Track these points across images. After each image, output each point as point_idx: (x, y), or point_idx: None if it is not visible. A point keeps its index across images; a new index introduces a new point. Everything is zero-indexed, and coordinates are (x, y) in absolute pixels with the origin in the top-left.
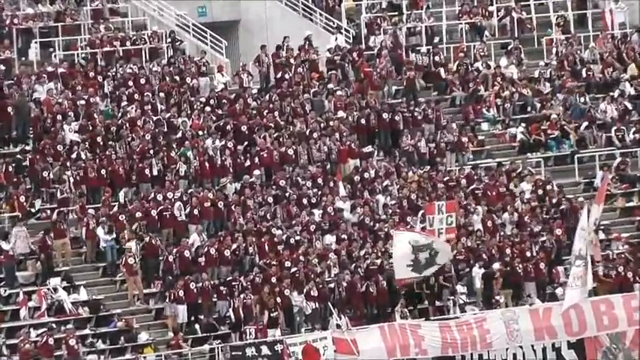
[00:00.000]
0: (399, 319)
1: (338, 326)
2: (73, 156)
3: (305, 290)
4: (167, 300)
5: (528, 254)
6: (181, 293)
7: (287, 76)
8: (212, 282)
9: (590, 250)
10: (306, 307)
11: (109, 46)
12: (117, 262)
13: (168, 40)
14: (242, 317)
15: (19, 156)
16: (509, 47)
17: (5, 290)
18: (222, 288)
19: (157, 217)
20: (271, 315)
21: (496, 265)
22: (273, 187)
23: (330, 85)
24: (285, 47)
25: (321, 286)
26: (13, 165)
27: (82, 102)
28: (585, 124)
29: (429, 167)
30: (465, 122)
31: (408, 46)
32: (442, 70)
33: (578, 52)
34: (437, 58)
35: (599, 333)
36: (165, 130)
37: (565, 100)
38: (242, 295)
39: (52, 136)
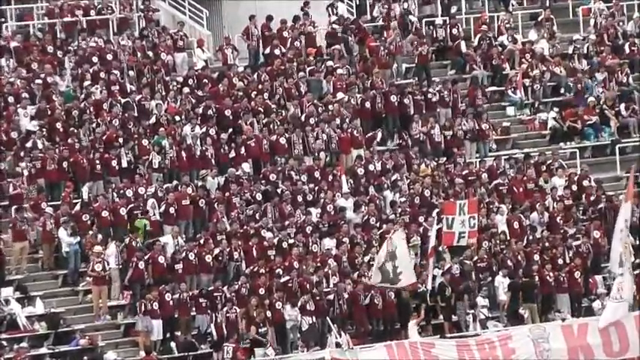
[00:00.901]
0: (415, 336)
1: (338, 345)
2: (29, 145)
3: (300, 303)
4: (138, 314)
5: (561, 261)
6: (155, 306)
7: (277, 52)
8: (191, 293)
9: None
10: (301, 322)
11: (70, 16)
12: (79, 269)
13: (140, 8)
14: (225, 334)
15: None
16: (539, 18)
17: None
18: (202, 300)
19: (126, 216)
20: (259, 331)
21: None
22: (263, 181)
23: (330, 63)
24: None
25: (318, 298)
26: None
27: (39, 82)
28: (623, 106)
29: (445, 159)
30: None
31: (420, 17)
32: (462, 44)
33: (621, 23)
34: (455, 31)
35: None
36: (136, 114)
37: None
38: (225, 309)
39: (4, 122)
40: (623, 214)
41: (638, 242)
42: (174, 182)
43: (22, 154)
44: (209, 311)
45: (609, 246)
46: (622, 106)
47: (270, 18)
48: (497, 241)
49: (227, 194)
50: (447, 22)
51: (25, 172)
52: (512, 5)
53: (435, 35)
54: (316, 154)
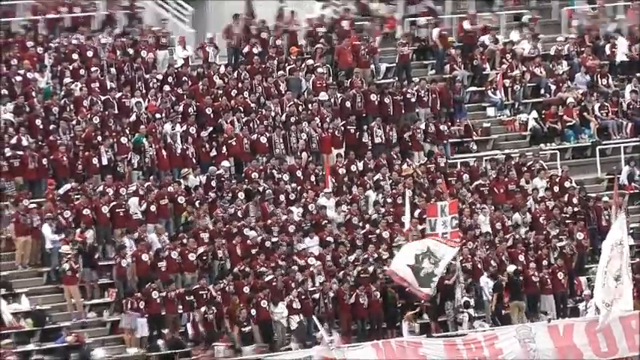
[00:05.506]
0: (405, 333)
1: (330, 342)
2: (13, 141)
3: (286, 302)
4: (125, 311)
5: (545, 262)
6: (142, 304)
7: (255, 50)
8: (178, 290)
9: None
10: (289, 320)
11: (54, 13)
12: (56, 268)
13: (125, 5)
14: (202, 334)
15: None
16: (523, 19)
17: None
18: (188, 298)
19: (108, 214)
20: (242, 330)
21: (511, 268)
22: (245, 180)
23: (310, 62)
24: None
25: (303, 296)
26: None
27: (19, 78)
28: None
29: (426, 159)
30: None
31: (405, 17)
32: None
33: (603, 24)
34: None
35: (631, 354)
36: (116, 112)
37: None
38: (203, 309)
39: None
40: (619, 226)
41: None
42: (151, 178)
43: (5, 151)
44: (190, 310)
45: (592, 247)
46: (596, 106)
47: (252, 16)
48: (483, 242)
49: (209, 193)
50: (430, 21)
51: (5, 169)
52: (497, 5)
53: (416, 35)
54: (298, 154)
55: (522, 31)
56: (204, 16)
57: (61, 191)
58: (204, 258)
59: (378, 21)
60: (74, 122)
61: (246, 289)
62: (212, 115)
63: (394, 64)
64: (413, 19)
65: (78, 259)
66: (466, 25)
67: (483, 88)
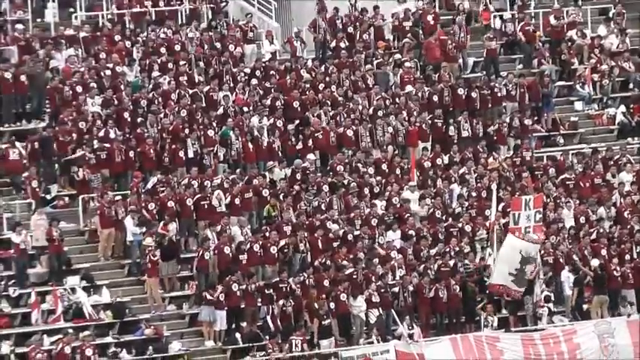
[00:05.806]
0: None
1: (411, 337)
2: (101, 134)
3: (365, 295)
4: (204, 303)
5: (627, 257)
6: (222, 297)
7: (342, 45)
8: (258, 283)
9: None
10: (368, 314)
11: (140, 7)
12: (137, 260)
13: None
14: (280, 327)
15: (45, 133)
16: (609, 13)
17: (15, 290)
18: (267, 291)
19: (192, 207)
20: (322, 323)
21: (595, 262)
22: (330, 173)
23: (397, 56)
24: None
25: (383, 290)
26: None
27: (107, 72)
28: None
29: (512, 153)
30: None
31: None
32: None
33: None
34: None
35: None
36: (204, 105)
37: None
38: (281, 302)
39: (72, 111)
40: None
41: None
42: (237, 171)
43: (94, 143)
44: (268, 304)
45: None
46: None
47: (336, 10)
48: (566, 236)
49: (294, 186)
50: (516, 16)
51: (92, 161)
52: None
53: (503, 29)
54: (384, 147)
55: (609, 26)
56: (287, 11)
57: (148, 185)
58: (286, 251)
59: (463, 15)
60: (162, 115)
61: (326, 283)
62: (299, 109)
63: (482, 59)
64: (499, 13)
65: (157, 252)
66: (552, 19)
67: (571, 83)
